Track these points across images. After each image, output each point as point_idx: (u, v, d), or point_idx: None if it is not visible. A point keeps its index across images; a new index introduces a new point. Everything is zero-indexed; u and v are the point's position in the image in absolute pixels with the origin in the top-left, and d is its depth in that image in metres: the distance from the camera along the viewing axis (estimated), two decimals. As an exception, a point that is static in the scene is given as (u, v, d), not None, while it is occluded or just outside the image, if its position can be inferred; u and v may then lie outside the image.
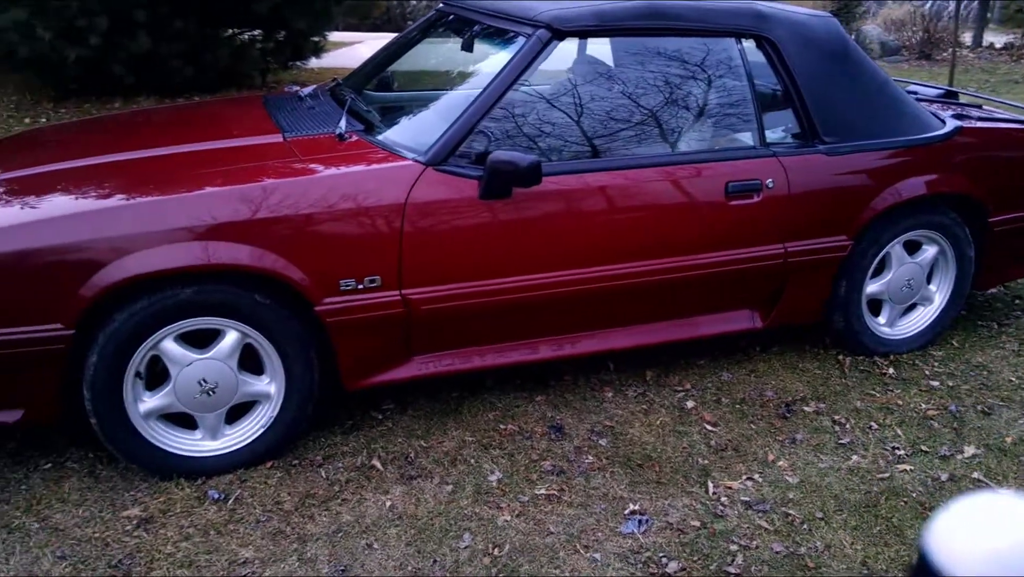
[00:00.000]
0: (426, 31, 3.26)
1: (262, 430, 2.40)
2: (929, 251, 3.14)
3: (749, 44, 2.84)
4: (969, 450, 2.61)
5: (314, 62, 8.00)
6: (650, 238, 2.63)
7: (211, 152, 2.58)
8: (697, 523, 2.25)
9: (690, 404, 2.81)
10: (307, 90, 3.17)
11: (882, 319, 3.17)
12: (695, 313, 2.87)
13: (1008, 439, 2.68)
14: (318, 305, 2.31)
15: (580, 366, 2.99)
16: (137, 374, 2.24)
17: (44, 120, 6.00)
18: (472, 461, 2.48)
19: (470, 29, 2.96)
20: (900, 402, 2.88)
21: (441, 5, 3.31)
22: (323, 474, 2.40)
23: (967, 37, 12.49)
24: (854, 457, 2.56)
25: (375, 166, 2.41)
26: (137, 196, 2.24)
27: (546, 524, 2.23)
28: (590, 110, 2.65)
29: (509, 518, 2.24)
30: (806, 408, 2.82)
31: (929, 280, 3.21)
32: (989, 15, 14.42)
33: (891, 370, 3.08)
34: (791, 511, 2.31)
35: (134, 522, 2.18)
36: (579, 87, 2.70)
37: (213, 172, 2.37)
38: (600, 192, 2.55)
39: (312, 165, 2.40)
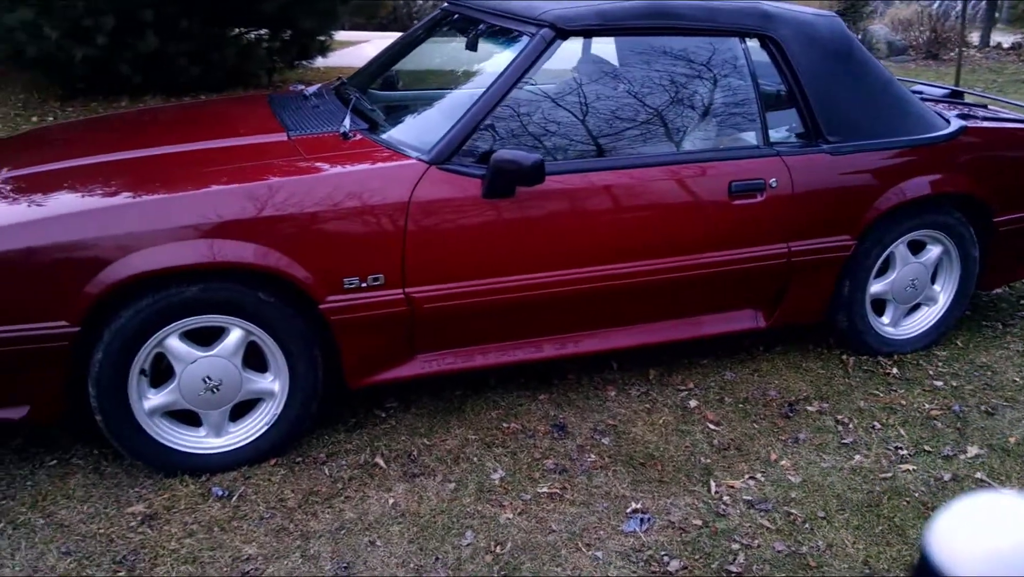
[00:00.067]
0: (431, 30, 3.27)
1: (266, 427, 2.42)
2: (933, 251, 3.14)
3: (753, 43, 2.84)
4: (972, 450, 2.61)
5: (320, 61, 8.01)
6: (653, 237, 2.63)
7: (216, 151, 2.59)
8: (699, 522, 2.25)
9: (693, 403, 2.82)
10: (312, 89, 3.18)
11: (886, 319, 3.17)
12: (698, 312, 2.87)
13: (1012, 439, 2.67)
14: (322, 303, 2.32)
15: (583, 365, 2.99)
16: (142, 371, 2.26)
17: (51, 119, 6.03)
18: (475, 459, 2.48)
19: (474, 28, 2.97)
20: (903, 402, 2.87)
21: (446, 4, 3.32)
22: (326, 471, 2.41)
23: (975, 37, 12.45)
24: (857, 457, 2.56)
25: (379, 165, 2.42)
26: (143, 194, 2.25)
27: (548, 522, 2.24)
28: (594, 109, 2.66)
29: (511, 516, 2.25)
30: (809, 408, 2.82)
31: (933, 280, 3.21)
32: (997, 15, 14.37)
33: (895, 370, 3.08)
34: (793, 510, 2.31)
35: (138, 518, 2.20)
36: (583, 86, 2.70)
37: (218, 170, 2.38)
38: (603, 191, 2.56)
39: (316, 164, 2.41)
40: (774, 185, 2.75)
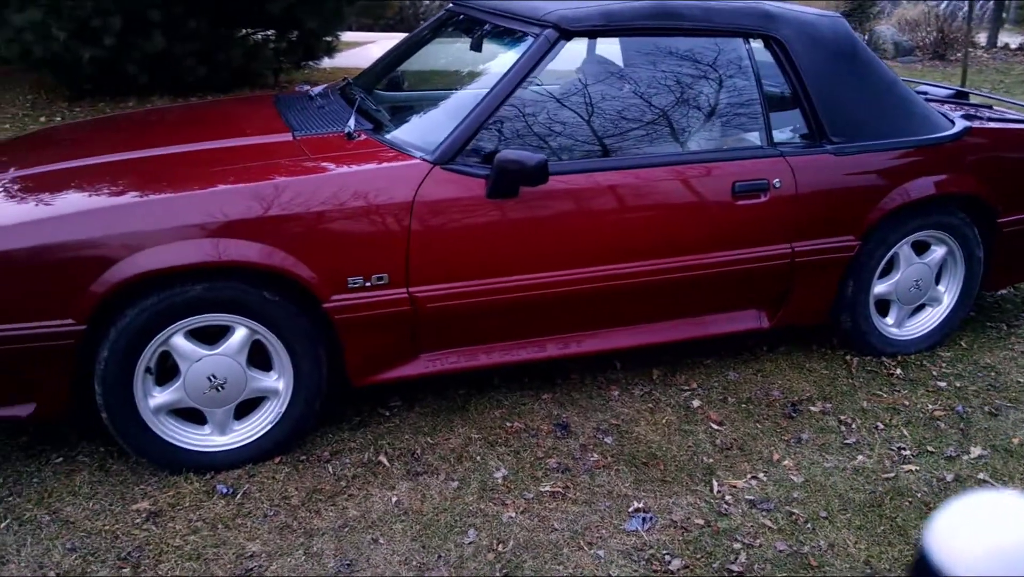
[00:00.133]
0: (436, 31, 3.28)
1: (270, 426, 2.43)
2: (938, 252, 3.13)
3: (757, 44, 2.84)
4: (975, 451, 2.61)
5: (327, 62, 8.04)
6: (656, 237, 2.64)
7: (222, 150, 2.60)
8: (701, 521, 2.26)
9: (696, 403, 2.82)
10: (317, 89, 3.20)
11: (890, 319, 3.17)
12: (702, 312, 2.87)
13: (1015, 440, 2.67)
14: (326, 302, 2.33)
15: (587, 365, 3.00)
16: (147, 369, 2.27)
17: (59, 119, 6.06)
18: (478, 458, 2.49)
19: (479, 29, 2.98)
20: (907, 403, 2.87)
21: (451, 5, 3.33)
22: (330, 469, 2.42)
23: (982, 37, 12.40)
24: (859, 457, 2.56)
25: (383, 165, 2.43)
26: (149, 193, 2.27)
27: (550, 521, 2.24)
28: (597, 109, 2.67)
29: (514, 515, 2.26)
30: (812, 408, 2.82)
31: (938, 281, 3.21)
32: (1004, 15, 14.33)
33: (898, 371, 3.08)
34: (795, 510, 2.32)
35: (143, 515, 2.21)
36: (587, 86, 2.71)
37: (224, 170, 2.39)
38: (607, 191, 2.56)
39: (321, 164, 2.42)
40: (778, 185, 2.75)
